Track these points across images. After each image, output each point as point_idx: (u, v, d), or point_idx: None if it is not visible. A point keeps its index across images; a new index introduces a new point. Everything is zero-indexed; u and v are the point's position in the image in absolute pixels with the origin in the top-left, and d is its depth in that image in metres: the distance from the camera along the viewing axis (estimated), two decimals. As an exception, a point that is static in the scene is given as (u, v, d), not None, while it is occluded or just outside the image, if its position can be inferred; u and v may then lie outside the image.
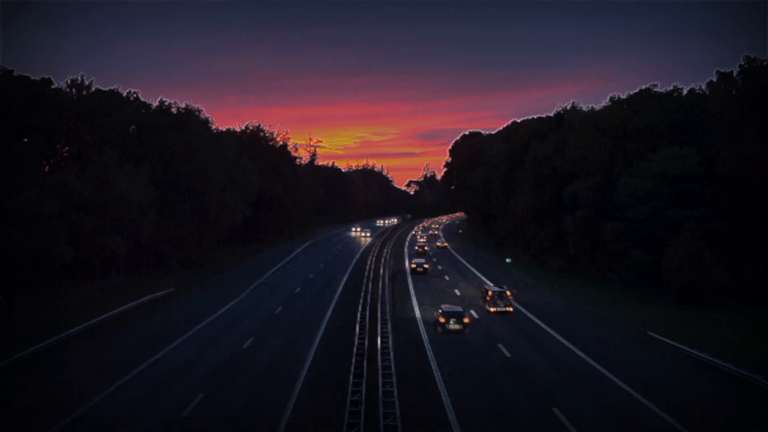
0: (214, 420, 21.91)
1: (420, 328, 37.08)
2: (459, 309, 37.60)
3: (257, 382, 26.27)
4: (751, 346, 33.14)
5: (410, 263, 68.55)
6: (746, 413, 23.73)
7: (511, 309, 42.59)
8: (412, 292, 51.49)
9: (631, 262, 54.87)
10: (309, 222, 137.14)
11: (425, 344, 33.10)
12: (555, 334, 36.00)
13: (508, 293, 44.43)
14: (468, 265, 72.68)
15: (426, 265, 65.08)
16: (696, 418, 22.46)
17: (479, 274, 63.16)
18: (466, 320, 36.21)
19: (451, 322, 35.54)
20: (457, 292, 51.75)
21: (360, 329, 33.97)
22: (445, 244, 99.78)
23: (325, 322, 39.15)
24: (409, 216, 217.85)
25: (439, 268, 69.69)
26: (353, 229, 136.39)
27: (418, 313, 42.05)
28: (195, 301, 47.37)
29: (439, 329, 35.92)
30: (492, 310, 42.23)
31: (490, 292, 43.65)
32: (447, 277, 61.48)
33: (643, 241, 53.82)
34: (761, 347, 32.92)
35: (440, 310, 37.16)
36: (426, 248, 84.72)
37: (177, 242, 66.01)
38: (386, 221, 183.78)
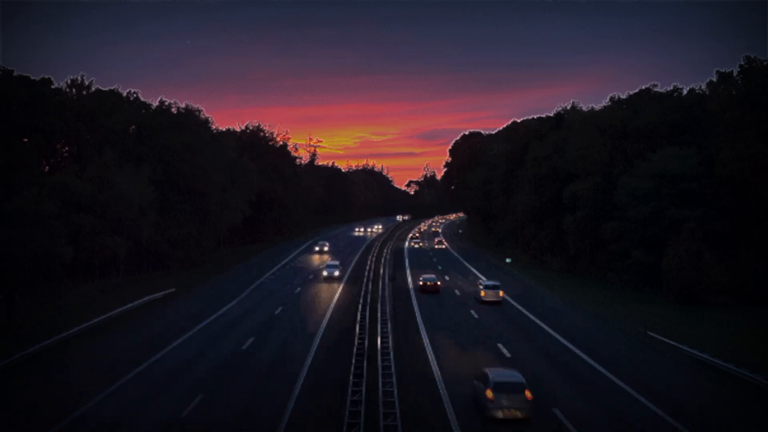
0: (214, 420, 21.91)
1: (405, 247, 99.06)
2: (419, 240, 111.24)
3: (257, 383, 26.26)
4: (751, 346, 33.15)
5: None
6: (746, 413, 23.72)
7: (444, 246, 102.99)
8: (405, 243, 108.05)
9: (631, 262, 54.88)
10: (309, 222, 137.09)
11: (405, 250, 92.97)
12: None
13: (444, 240, 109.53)
14: (442, 238, 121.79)
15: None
16: (696, 418, 22.45)
17: (444, 240, 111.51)
18: (421, 244, 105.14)
19: (415, 245, 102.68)
20: (427, 243, 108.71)
21: (360, 329, 33.97)
22: (438, 229, 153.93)
23: (325, 321, 39.16)
24: (407, 218, 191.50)
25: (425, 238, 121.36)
26: (317, 248, 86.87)
27: (406, 244, 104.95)
28: (195, 301, 47.37)
29: (412, 246, 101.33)
30: (436, 247, 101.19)
31: (437, 239, 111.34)
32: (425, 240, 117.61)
33: (643, 241, 53.82)
34: (761, 347, 32.92)
35: (413, 241, 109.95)
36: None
37: (177, 242, 66.01)
38: (370, 229, 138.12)
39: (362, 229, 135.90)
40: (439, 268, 70.02)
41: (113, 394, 24.48)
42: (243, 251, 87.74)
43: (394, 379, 24.92)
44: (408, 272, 65.70)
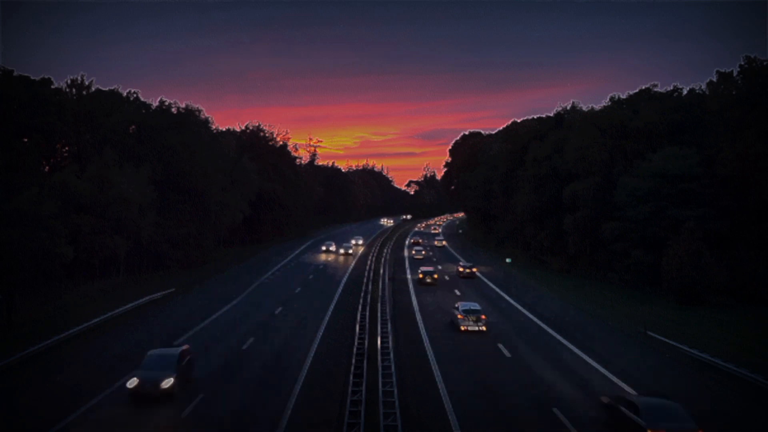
0: (215, 420, 21.92)
1: (409, 233, 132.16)
2: (418, 239, 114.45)
3: (257, 383, 26.27)
4: (751, 346, 33.15)
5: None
6: (746, 413, 23.73)
7: (438, 231, 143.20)
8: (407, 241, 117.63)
9: (631, 261, 54.91)
10: (309, 222, 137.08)
11: (407, 239, 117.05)
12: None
13: (438, 229, 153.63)
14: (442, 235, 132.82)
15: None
16: (697, 419, 22.40)
17: (442, 237, 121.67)
18: (422, 229, 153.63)
19: (417, 235, 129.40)
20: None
21: (360, 329, 33.98)
22: (439, 226, 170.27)
23: (325, 321, 39.17)
24: (391, 222, 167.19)
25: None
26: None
27: (411, 228, 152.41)
28: (195, 301, 47.33)
29: (413, 229, 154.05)
30: (432, 232, 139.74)
31: (432, 227, 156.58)
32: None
33: (643, 241, 53.85)
34: (761, 347, 32.93)
35: (414, 232, 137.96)
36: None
37: (177, 242, 65.95)
38: (343, 249, 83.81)
39: (333, 247, 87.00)
40: (426, 240, 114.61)
41: (113, 394, 24.47)
42: (243, 251, 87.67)
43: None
44: (408, 237, 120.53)
